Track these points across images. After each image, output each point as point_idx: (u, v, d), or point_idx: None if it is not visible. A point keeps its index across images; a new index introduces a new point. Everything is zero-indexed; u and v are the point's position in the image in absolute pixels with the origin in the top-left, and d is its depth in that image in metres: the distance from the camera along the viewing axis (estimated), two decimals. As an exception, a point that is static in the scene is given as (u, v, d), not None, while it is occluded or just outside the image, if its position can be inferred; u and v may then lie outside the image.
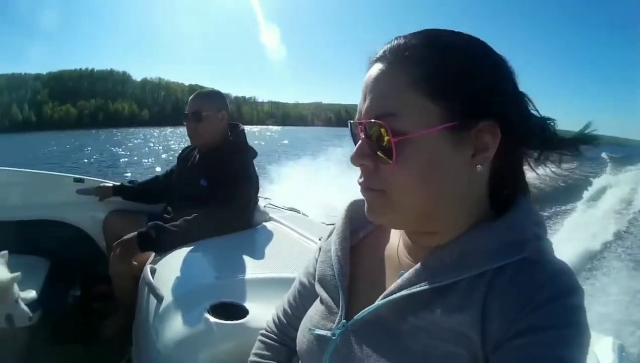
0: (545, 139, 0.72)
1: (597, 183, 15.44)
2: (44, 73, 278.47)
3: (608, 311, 5.17)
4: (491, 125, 0.65)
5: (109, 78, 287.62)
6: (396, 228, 0.83)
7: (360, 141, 0.69)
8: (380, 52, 0.69)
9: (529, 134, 0.70)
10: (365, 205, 0.73)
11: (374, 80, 0.68)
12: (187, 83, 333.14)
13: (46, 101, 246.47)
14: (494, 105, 0.65)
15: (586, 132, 0.73)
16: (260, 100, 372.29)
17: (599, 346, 1.47)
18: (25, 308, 1.81)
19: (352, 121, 0.73)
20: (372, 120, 0.66)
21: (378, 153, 0.66)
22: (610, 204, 12.19)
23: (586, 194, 13.46)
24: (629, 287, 6.08)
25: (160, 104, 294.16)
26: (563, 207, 11.49)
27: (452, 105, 0.63)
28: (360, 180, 0.71)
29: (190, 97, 2.58)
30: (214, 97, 2.60)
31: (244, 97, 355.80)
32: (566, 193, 12.82)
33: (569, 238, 8.33)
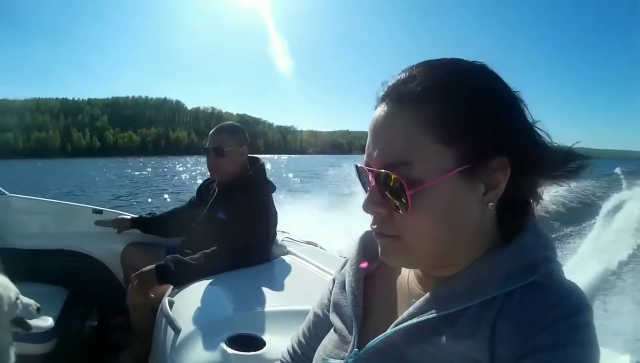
0: (551, 167, 0.71)
1: (613, 199, 15.30)
2: (97, 98, 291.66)
3: (625, 328, 5.11)
4: (503, 163, 0.63)
5: (163, 106, 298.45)
6: (411, 268, 0.81)
7: (371, 188, 0.67)
8: (386, 91, 0.68)
9: (537, 165, 0.68)
10: (380, 249, 0.71)
11: (382, 123, 0.66)
12: (235, 112, 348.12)
13: (107, 127, 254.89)
14: (505, 143, 0.64)
15: (578, 154, 0.72)
16: (299, 128, 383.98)
17: None
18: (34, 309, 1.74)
19: (359, 166, 0.71)
20: (384, 171, 0.64)
21: (392, 201, 0.65)
22: (628, 219, 12.06)
23: (603, 211, 13.33)
24: None
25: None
26: (582, 225, 11.33)
27: (464, 148, 0.62)
28: (374, 226, 0.70)
29: (211, 131, 2.56)
30: (236, 132, 2.58)
31: (286, 127, 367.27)
32: (584, 212, 12.73)
33: (588, 256, 8.25)
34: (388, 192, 0.65)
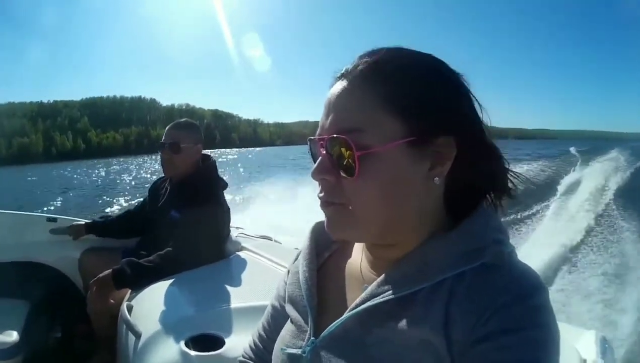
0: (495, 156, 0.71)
1: (569, 178, 15.57)
2: (73, 100, 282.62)
3: (589, 304, 5.14)
4: (448, 141, 0.65)
5: (139, 105, 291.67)
6: (356, 241, 0.82)
7: (321, 156, 0.68)
8: (344, 70, 0.69)
9: (482, 147, 0.69)
10: (326, 221, 0.71)
11: (338, 96, 0.67)
12: (207, 108, 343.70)
13: (88, 129, 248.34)
14: (451, 122, 0.65)
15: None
16: (266, 121, 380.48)
17: (582, 341, 1.45)
18: None
19: (312, 138, 0.72)
20: (336, 136, 0.65)
21: (340, 167, 0.65)
22: (584, 197, 12.26)
23: (560, 190, 13.54)
24: (610, 275, 6.08)
25: None
26: (540, 205, 11.44)
27: (413, 122, 0.63)
28: (321, 195, 0.70)
29: (169, 126, 2.50)
30: (193, 130, 2.51)
31: (254, 120, 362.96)
32: (540, 193, 12.85)
33: (548, 235, 8.33)
34: (337, 156, 0.65)
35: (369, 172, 0.63)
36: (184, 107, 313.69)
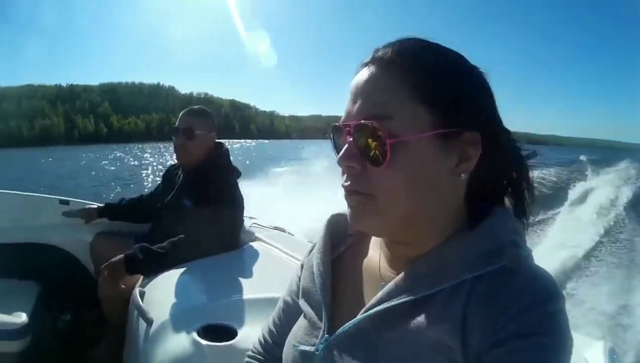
0: (519, 156, 0.72)
1: (579, 187, 15.35)
2: (92, 85, 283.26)
3: (598, 314, 5.03)
4: (475, 137, 0.63)
5: (158, 92, 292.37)
6: (378, 236, 0.78)
7: (348, 143, 0.65)
8: (373, 56, 0.67)
9: (507, 147, 0.69)
10: (349, 211, 0.69)
11: (367, 82, 0.65)
12: (223, 98, 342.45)
13: (110, 113, 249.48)
14: (479, 118, 0.64)
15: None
16: (281, 114, 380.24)
17: (591, 351, 1.40)
18: None
19: (336, 124, 0.70)
20: (364, 122, 0.63)
21: (368, 155, 0.63)
22: (594, 206, 12.08)
23: (570, 199, 13.34)
24: (619, 286, 5.96)
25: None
26: (549, 213, 11.30)
27: (442, 114, 0.62)
28: (346, 184, 0.67)
29: (183, 112, 2.44)
30: (208, 117, 2.47)
31: (271, 112, 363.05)
32: (550, 200, 12.68)
33: (557, 243, 8.19)
34: (365, 144, 0.63)
35: (397, 162, 0.61)
36: (202, 96, 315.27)
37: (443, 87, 0.63)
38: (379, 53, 0.66)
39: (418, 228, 0.67)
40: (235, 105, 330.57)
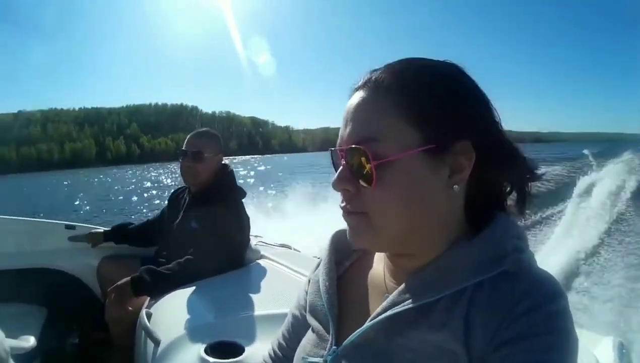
0: (516, 161, 0.69)
1: (585, 181, 15.03)
2: (116, 107, 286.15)
3: (606, 310, 4.87)
4: (466, 147, 0.63)
5: (181, 112, 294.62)
6: (378, 251, 0.79)
7: (341, 167, 0.67)
8: (362, 81, 0.68)
9: (502, 153, 0.67)
10: (348, 229, 0.70)
11: (355, 107, 0.66)
12: (243, 115, 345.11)
13: (139, 135, 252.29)
14: (468, 128, 0.64)
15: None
16: (296, 128, 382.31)
17: (600, 347, 1.38)
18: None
19: (333, 149, 0.71)
20: (353, 146, 0.64)
21: (359, 177, 0.64)
22: (601, 199, 11.80)
23: (575, 193, 13.06)
24: (628, 278, 5.77)
25: (237, 135, 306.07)
26: (555, 209, 11.10)
27: (429, 130, 0.62)
28: (342, 205, 0.69)
29: (191, 135, 2.40)
30: (216, 139, 2.44)
31: (287, 127, 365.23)
32: (556, 196, 12.44)
33: (564, 240, 8.00)
34: (355, 166, 0.64)
35: (386, 181, 0.62)
36: (224, 114, 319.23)
37: (425, 103, 0.63)
38: (367, 77, 0.67)
39: (417, 241, 0.67)
40: (255, 122, 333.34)
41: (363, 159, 0.63)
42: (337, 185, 0.67)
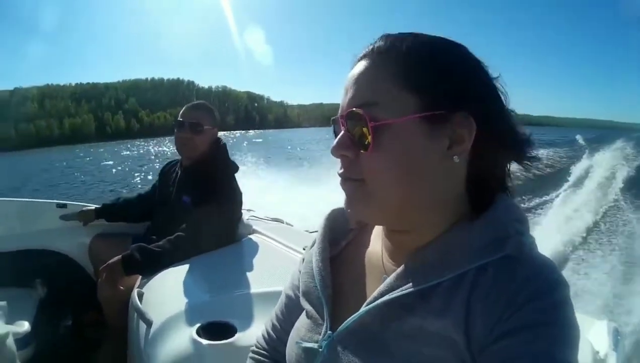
0: (518, 140, 0.67)
1: (578, 167, 15.06)
2: (113, 82, 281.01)
3: (600, 293, 4.87)
4: (466, 118, 0.61)
5: (178, 87, 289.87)
6: (374, 223, 0.77)
7: (341, 133, 0.66)
8: (363, 51, 0.67)
9: (504, 131, 0.65)
10: (345, 198, 0.68)
11: (356, 75, 0.65)
12: (240, 90, 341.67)
13: (138, 109, 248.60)
14: (468, 100, 0.62)
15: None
16: (290, 103, 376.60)
17: (593, 331, 1.38)
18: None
19: (334, 118, 0.70)
20: (352, 110, 0.63)
21: (357, 143, 0.63)
22: (593, 186, 11.84)
23: (571, 178, 13.08)
24: (621, 264, 5.79)
25: (234, 110, 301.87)
26: (549, 194, 11.12)
27: (429, 97, 0.61)
28: (340, 171, 0.67)
29: (189, 106, 2.34)
30: (212, 112, 2.39)
31: (281, 102, 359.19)
32: (551, 180, 12.46)
33: (557, 225, 8.03)
34: (355, 132, 0.63)
35: (384, 146, 0.61)
36: (220, 89, 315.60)
37: (428, 71, 0.62)
38: (368, 48, 0.67)
39: (415, 215, 0.65)
40: (251, 97, 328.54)
41: (362, 124, 0.62)
42: (335, 151, 0.66)
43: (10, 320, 1.61)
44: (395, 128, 0.61)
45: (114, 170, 28.24)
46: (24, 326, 1.79)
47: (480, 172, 0.66)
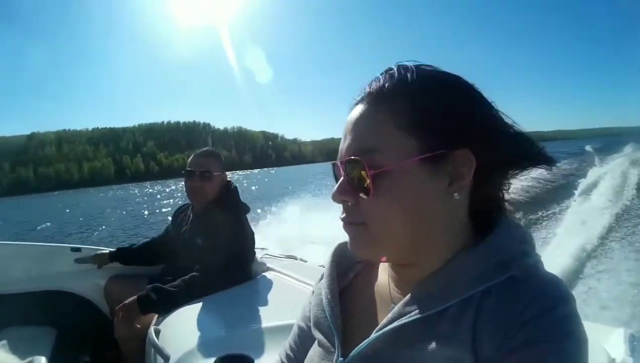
0: (520, 156, 0.65)
1: (590, 176, 14.84)
2: (129, 126, 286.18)
3: (616, 302, 4.74)
4: (465, 154, 0.60)
5: (194, 129, 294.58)
6: (379, 262, 0.78)
7: (341, 179, 0.66)
8: (360, 95, 0.67)
9: (504, 156, 0.64)
10: (348, 240, 0.68)
11: (353, 120, 0.65)
12: (255, 129, 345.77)
13: (156, 152, 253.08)
14: (467, 135, 0.61)
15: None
16: (304, 140, 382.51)
17: (610, 340, 1.32)
18: None
19: (334, 162, 0.70)
20: (350, 158, 0.63)
21: (357, 188, 0.63)
22: (605, 192, 11.62)
23: (580, 189, 12.88)
24: (634, 271, 5.63)
25: (250, 149, 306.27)
26: (561, 205, 10.90)
27: (426, 138, 0.60)
28: (342, 216, 0.68)
29: (197, 154, 2.40)
30: (220, 158, 2.44)
31: (295, 139, 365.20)
32: (561, 191, 12.27)
33: (570, 234, 7.84)
34: (354, 178, 0.63)
35: (384, 191, 0.60)
36: (236, 130, 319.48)
37: (426, 110, 0.61)
38: (365, 90, 0.66)
39: (420, 251, 0.65)
40: (266, 136, 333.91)
41: (361, 170, 0.62)
42: (336, 197, 0.66)
43: (27, 357, 1.65)
44: (395, 173, 0.60)
45: (132, 210, 28.55)
46: (41, 361, 1.83)
47: (482, 200, 0.66)
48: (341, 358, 0.69)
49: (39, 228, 22.37)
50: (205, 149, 2.44)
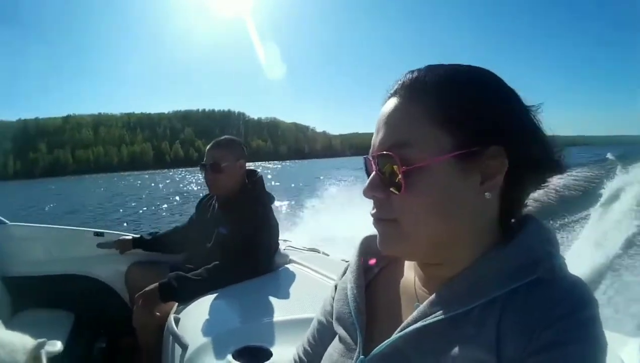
0: (549, 164, 0.63)
1: (612, 184, 14.32)
2: (166, 112, 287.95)
3: (634, 311, 4.52)
4: (498, 153, 0.58)
5: (229, 118, 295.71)
6: (408, 259, 0.75)
7: (372, 174, 0.64)
8: (394, 88, 0.65)
9: (535, 160, 0.62)
10: (378, 237, 0.66)
11: (387, 114, 0.63)
12: (287, 121, 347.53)
13: (194, 139, 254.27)
14: (501, 133, 0.59)
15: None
16: (332, 133, 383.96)
17: (627, 349, 1.25)
18: None
19: (366, 156, 0.68)
20: (382, 153, 0.61)
21: (389, 183, 0.61)
22: (628, 201, 11.18)
23: (604, 196, 12.43)
24: None
25: (284, 140, 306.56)
26: (582, 212, 10.55)
27: (460, 134, 0.58)
28: (373, 212, 0.65)
29: (209, 147, 2.34)
30: (233, 147, 2.34)
31: (324, 132, 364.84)
32: (582, 200, 11.86)
33: (591, 242, 7.57)
34: (385, 173, 0.61)
35: (416, 187, 0.58)
36: (270, 120, 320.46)
37: (456, 107, 0.59)
38: (398, 83, 0.65)
39: (448, 250, 0.63)
40: (298, 128, 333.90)
41: (393, 165, 0.60)
42: (367, 193, 0.64)
43: (42, 339, 1.61)
44: (428, 169, 0.58)
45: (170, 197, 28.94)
46: (57, 345, 1.83)
47: (512, 201, 0.64)
48: (362, 356, 0.67)
49: (73, 211, 22.85)
50: (219, 138, 2.37)
